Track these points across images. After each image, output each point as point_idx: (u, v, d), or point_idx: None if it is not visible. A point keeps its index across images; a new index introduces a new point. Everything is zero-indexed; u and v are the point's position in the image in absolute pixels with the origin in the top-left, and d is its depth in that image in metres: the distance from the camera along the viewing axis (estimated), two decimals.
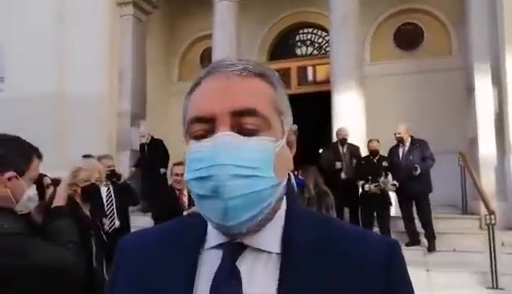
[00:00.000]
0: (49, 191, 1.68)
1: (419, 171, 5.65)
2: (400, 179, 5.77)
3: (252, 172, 0.58)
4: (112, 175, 4.58)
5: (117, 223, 4.48)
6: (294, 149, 0.69)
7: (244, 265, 0.62)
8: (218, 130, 0.59)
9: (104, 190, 4.51)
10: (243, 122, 0.60)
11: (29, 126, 7.60)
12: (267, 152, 0.60)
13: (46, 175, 1.68)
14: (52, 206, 1.68)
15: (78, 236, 1.64)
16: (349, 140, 6.42)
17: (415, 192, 5.68)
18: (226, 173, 0.57)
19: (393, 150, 6.05)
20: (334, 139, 6.64)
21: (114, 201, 4.51)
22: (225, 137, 0.58)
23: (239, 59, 0.66)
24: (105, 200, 4.47)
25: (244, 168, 0.58)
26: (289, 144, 0.67)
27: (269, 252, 0.63)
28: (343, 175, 6.21)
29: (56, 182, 1.75)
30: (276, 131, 0.63)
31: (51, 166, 2.56)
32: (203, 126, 0.61)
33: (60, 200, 1.71)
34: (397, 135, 5.95)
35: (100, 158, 4.58)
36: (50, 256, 1.41)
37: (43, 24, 7.80)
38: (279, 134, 0.63)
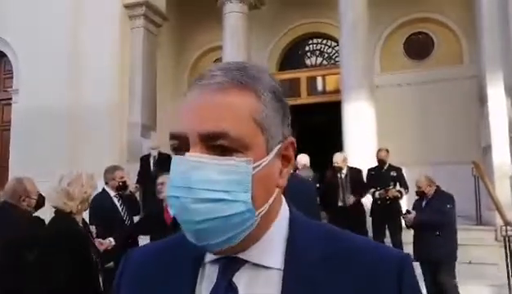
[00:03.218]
0: None
1: (411, 214, 4.73)
2: (415, 236, 4.84)
3: (221, 196, 0.55)
4: (123, 187, 4.58)
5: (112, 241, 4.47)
6: (292, 163, 0.64)
7: (242, 281, 0.60)
8: (190, 150, 0.57)
9: (116, 201, 4.51)
10: (214, 144, 0.56)
11: (43, 137, 7.74)
12: (241, 174, 0.56)
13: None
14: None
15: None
16: (357, 154, 6.28)
17: (431, 254, 4.53)
18: (191, 196, 0.55)
19: (417, 202, 5.01)
20: (345, 151, 6.58)
21: (127, 212, 4.51)
22: (191, 158, 0.56)
23: (223, 65, 0.61)
24: (121, 211, 4.46)
25: (212, 192, 0.55)
26: (284, 157, 0.63)
27: (269, 268, 0.61)
28: (339, 203, 5.88)
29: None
30: (256, 151, 0.58)
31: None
32: (177, 142, 0.60)
33: None
34: (416, 189, 4.89)
35: (114, 169, 4.59)
36: None
37: (57, 35, 7.96)
38: (260, 152, 0.58)
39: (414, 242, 4.77)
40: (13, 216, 3.03)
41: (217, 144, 0.56)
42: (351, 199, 5.83)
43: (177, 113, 0.61)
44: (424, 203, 4.83)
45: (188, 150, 0.58)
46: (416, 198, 4.99)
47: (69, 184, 2.32)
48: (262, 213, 0.59)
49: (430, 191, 4.74)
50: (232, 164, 0.56)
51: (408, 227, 4.82)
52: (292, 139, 0.64)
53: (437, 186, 4.80)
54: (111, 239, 3.78)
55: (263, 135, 0.59)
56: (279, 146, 0.61)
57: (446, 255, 4.51)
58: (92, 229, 3.54)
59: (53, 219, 2.38)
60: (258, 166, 0.58)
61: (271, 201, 0.60)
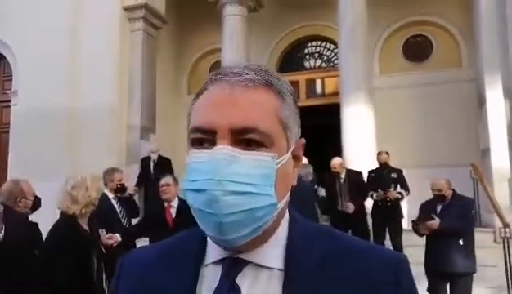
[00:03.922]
0: None
1: (435, 221, 4.01)
2: (430, 246, 4.17)
3: (249, 189, 0.57)
4: (122, 190, 4.58)
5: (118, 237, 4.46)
6: (301, 163, 0.67)
7: (245, 282, 0.61)
8: (218, 143, 0.58)
9: (114, 203, 4.50)
10: (243, 137, 0.58)
11: (42, 138, 7.74)
12: (268, 168, 0.58)
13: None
14: None
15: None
16: (356, 157, 6.29)
17: (450, 266, 3.93)
18: (221, 189, 0.56)
19: (427, 206, 4.31)
20: (344, 153, 6.59)
21: (125, 214, 4.51)
22: (223, 151, 0.57)
23: (247, 65, 0.63)
24: (119, 213, 4.46)
25: (241, 184, 0.56)
26: (295, 158, 0.65)
27: (271, 268, 0.62)
28: (339, 207, 5.84)
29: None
30: (280, 147, 0.60)
31: (63, 178, 2.59)
32: (203, 136, 0.60)
33: None
34: (436, 192, 4.21)
35: (113, 171, 4.59)
36: None
37: (56, 38, 7.96)
38: (283, 149, 0.61)
39: (427, 252, 4.16)
40: (10, 217, 3.04)
41: (245, 138, 0.58)
42: (350, 208, 5.74)
43: (199, 108, 0.61)
44: (439, 208, 4.18)
45: (213, 144, 0.58)
46: (426, 200, 4.35)
47: (73, 187, 2.35)
48: (279, 209, 0.61)
49: (449, 195, 4.19)
50: (261, 159, 0.58)
51: (421, 235, 4.20)
52: (303, 140, 0.67)
53: (453, 189, 4.27)
54: (117, 235, 3.80)
55: (285, 134, 0.62)
56: (295, 146, 0.64)
57: (466, 267, 3.94)
58: (102, 233, 3.55)
59: (58, 222, 2.41)
60: (280, 162, 0.60)
61: (286, 198, 0.62)
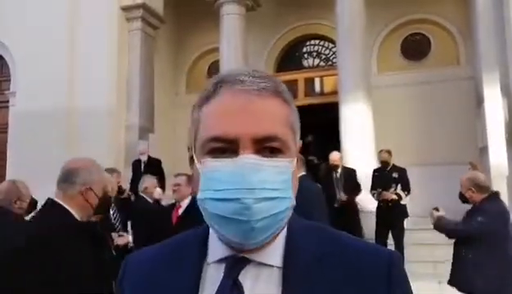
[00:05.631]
0: None
1: (439, 213, 3.40)
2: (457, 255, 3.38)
3: (276, 194, 0.60)
4: (119, 192, 4.58)
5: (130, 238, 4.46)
6: (298, 164, 0.69)
7: (248, 279, 0.63)
8: (241, 153, 0.60)
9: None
10: (265, 146, 0.61)
11: (40, 139, 7.73)
12: (286, 173, 0.62)
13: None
14: None
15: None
16: (355, 155, 6.30)
17: (457, 285, 3.26)
18: (253, 197, 0.58)
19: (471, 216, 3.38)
20: (343, 152, 6.59)
21: (118, 216, 4.50)
22: (250, 161, 0.59)
23: (251, 71, 0.64)
24: (111, 215, 4.45)
25: (270, 190, 0.59)
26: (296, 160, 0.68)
27: (271, 266, 0.64)
28: (336, 204, 5.75)
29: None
30: (292, 152, 0.64)
31: None
32: (223, 145, 0.61)
33: None
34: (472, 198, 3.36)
35: (111, 172, 4.58)
36: None
37: (55, 38, 7.95)
38: (294, 154, 0.65)
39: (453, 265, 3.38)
40: (7, 218, 3.03)
41: (267, 146, 0.61)
42: (343, 197, 5.80)
43: (214, 115, 0.62)
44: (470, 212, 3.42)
45: (234, 153, 0.60)
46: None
47: None
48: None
49: (476, 200, 3.35)
50: (282, 165, 0.62)
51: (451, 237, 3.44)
52: (301, 142, 0.70)
53: (494, 192, 3.43)
54: (129, 236, 3.80)
55: (294, 138, 0.66)
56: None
57: (470, 286, 3.14)
58: (114, 235, 3.55)
59: None
60: (294, 165, 0.64)
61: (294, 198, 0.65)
